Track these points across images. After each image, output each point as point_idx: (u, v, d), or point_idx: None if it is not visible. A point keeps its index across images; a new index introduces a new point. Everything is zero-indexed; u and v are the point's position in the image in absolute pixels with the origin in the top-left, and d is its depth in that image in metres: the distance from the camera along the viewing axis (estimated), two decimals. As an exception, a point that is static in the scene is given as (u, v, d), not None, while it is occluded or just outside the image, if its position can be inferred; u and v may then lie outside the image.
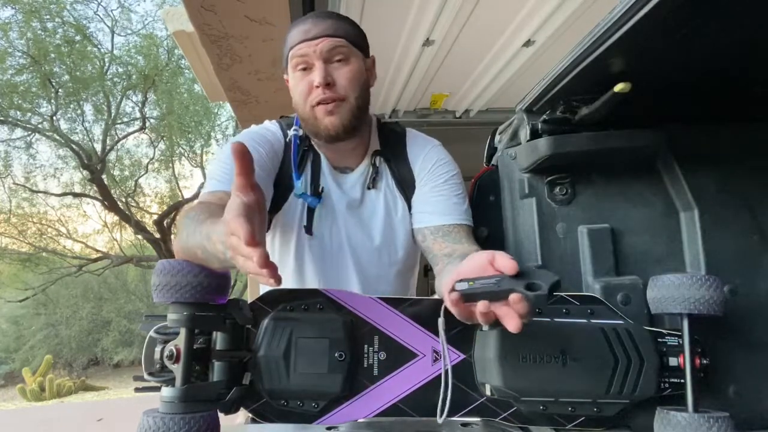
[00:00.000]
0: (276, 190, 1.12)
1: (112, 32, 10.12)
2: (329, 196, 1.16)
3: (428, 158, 1.17)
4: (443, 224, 1.09)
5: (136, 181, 11.50)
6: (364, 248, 1.18)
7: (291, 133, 1.15)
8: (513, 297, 0.65)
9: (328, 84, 1.04)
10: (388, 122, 1.26)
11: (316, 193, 1.14)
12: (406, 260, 1.23)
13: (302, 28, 1.06)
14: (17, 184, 10.95)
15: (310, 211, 1.14)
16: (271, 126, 1.17)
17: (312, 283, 1.17)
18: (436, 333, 0.88)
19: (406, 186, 1.18)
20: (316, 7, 1.73)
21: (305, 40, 1.05)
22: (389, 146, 1.20)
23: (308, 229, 1.15)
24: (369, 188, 1.18)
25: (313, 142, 1.16)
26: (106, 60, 10.18)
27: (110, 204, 10.46)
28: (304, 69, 1.07)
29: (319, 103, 1.05)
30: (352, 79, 1.06)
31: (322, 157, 1.17)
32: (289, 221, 1.16)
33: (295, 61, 1.07)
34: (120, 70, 10.46)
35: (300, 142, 1.15)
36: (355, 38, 1.09)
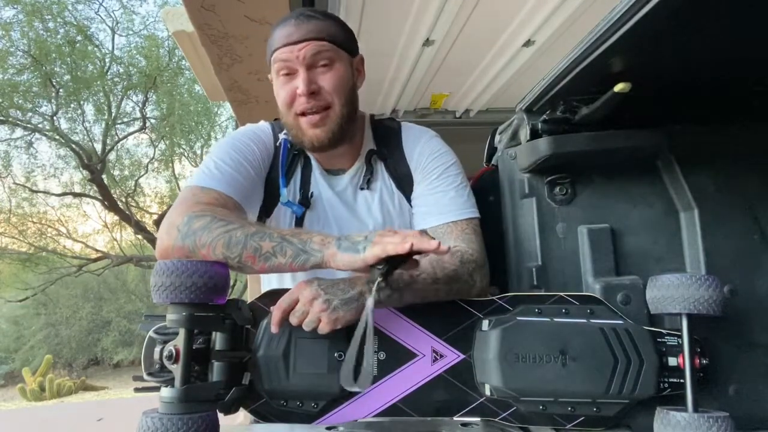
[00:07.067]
0: (266, 195, 1.10)
1: (113, 32, 10.13)
2: (320, 200, 1.13)
3: (423, 152, 1.13)
4: (438, 224, 1.07)
5: (136, 181, 11.50)
6: None
7: (281, 137, 1.12)
8: None
9: (312, 92, 1.00)
10: (382, 119, 1.22)
11: (305, 199, 1.12)
12: None
13: (285, 31, 1.02)
14: (17, 184, 10.94)
15: (299, 219, 1.11)
16: (264, 127, 1.15)
17: None
18: (436, 333, 0.88)
19: (405, 183, 1.14)
20: (316, 7, 1.72)
21: (288, 44, 1.01)
22: (384, 144, 1.17)
23: None
24: (362, 189, 1.14)
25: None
26: (107, 60, 10.19)
27: (110, 204, 10.44)
28: (287, 74, 1.03)
29: (303, 113, 1.02)
30: (337, 85, 1.02)
31: (313, 160, 1.14)
32: (279, 228, 1.13)
33: (277, 66, 1.03)
34: (121, 70, 10.46)
35: (290, 147, 1.12)
36: (341, 39, 1.05)
